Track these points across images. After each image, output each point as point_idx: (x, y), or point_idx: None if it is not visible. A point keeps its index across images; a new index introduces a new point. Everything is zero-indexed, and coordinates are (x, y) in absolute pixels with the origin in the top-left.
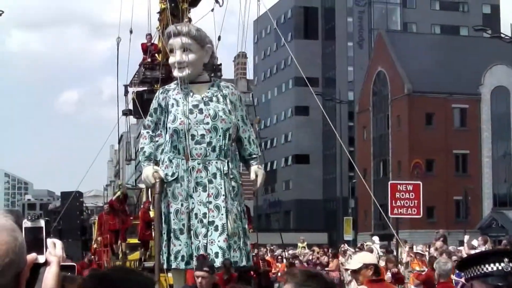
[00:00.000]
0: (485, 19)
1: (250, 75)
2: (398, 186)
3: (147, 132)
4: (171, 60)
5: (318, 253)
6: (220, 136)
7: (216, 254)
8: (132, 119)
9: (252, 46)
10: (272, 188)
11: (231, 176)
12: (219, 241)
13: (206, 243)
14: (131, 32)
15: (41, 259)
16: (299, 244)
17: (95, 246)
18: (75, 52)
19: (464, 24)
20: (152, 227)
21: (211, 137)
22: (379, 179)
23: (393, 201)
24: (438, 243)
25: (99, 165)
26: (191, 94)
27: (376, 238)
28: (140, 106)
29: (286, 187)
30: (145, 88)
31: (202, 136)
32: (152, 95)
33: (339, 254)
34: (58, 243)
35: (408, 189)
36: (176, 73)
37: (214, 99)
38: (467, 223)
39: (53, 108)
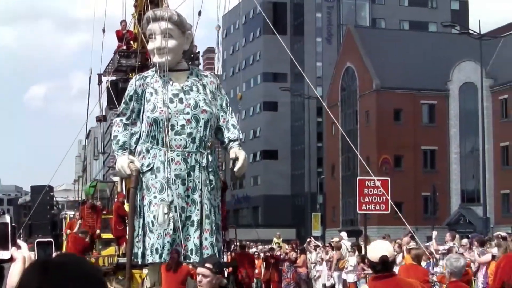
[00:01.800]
0: (453, 15)
1: (218, 70)
2: (366, 182)
3: (121, 120)
4: (150, 45)
5: (280, 248)
6: (201, 127)
7: (191, 250)
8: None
9: (220, 41)
10: (240, 184)
11: (210, 169)
12: (194, 238)
13: (184, 238)
14: (103, 31)
15: (5, 255)
16: (275, 240)
17: (65, 242)
18: (45, 47)
19: (433, 20)
20: (126, 222)
21: (191, 127)
22: (347, 175)
23: (361, 197)
24: (405, 239)
25: (66, 160)
26: (171, 82)
27: (344, 234)
28: (115, 95)
29: (254, 182)
30: (120, 77)
31: (182, 126)
32: (127, 84)
33: (307, 250)
34: (24, 245)
35: (376, 185)
36: (155, 59)
37: (194, 88)
38: (435, 219)
39: (20, 103)
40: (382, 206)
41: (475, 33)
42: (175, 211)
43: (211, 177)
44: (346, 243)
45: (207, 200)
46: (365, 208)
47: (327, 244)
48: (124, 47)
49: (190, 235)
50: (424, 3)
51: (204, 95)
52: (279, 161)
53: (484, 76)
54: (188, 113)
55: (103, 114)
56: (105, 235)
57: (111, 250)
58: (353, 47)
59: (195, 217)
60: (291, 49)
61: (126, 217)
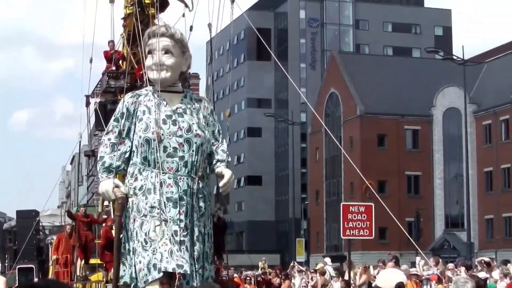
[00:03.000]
0: (437, 41)
1: (203, 95)
2: (350, 207)
3: (109, 140)
4: (148, 61)
5: (270, 274)
6: (193, 151)
7: (184, 275)
8: (84, 140)
9: (204, 67)
10: (225, 210)
11: (200, 196)
12: (187, 262)
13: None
14: (91, 61)
15: None
16: (260, 264)
17: (51, 267)
18: (29, 73)
19: (417, 46)
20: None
21: (183, 151)
22: (331, 200)
23: (345, 223)
24: (390, 264)
25: (51, 186)
26: (164, 103)
27: (327, 260)
28: (103, 117)
29: (238, 208)
30: (109, 99)
31: (175, 149)
32: (116, 105)
33: (291, 275)
34: (1, 279)
35: (360, 210)
36: (153, 75)
37: (188, 111)
38: (419, 245)
39: (4, 128)
40: (366, 232)
41: (458, 59)
42: (168, 233)
43: (201, 203)
44: (330, 268)
45: (196, 227)
46: (349, 233)
47: (312, 270)
48: (113, 68)
49: (186, 259)
50: (408, 29)
51: (197, 119)
52: (263, 187)
53: (468, 101)
54: (181, 136)
55: (93, 134)
56: (92, 261)
57: (98, 275)
58: (337, 73)
59: (188, 243)
60: (275, 75)
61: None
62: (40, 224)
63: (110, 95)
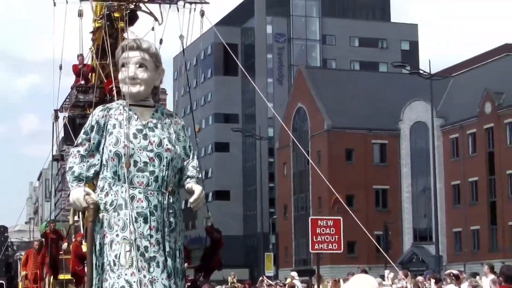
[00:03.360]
0: (404, 56)
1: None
2: (319, 221)
3: (78, 151)
4: (122, 75)
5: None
6: (163, 166)
7: None
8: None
9: (171, 82)
10: (193, 225)
11: (170, 211)
12: (162, 279)
13: (151, 279)
14: (60, 68)
15: None
16: (230, 279)
17: (20, 283)
18: None
19: (383, 61)
20: (85, 261)
21: (154, 165)
22: (299, 215)
23: (314, 237)
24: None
25: (18, 201)
26: (135, 117)
27: (294, 274)
28: (72, 131)
29: (206, 223)
30: (78, 113)
31: (145, 163)
32: (85, 120)
33: None
34: None
35: (329, 224)
36: (126, 88)
37: (159, 126)
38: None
39: None
40: (335, 246)
41: (425, 73)
42: (138, 250)
43: (171, 219)
44: (298, 283)
45: (167, 242)
46: (317, 247)
47: (281, 284)
48: (82, 82)
49: (157, 277)
50: (375, 44)
51: (168, 134)
52: (231, 202)
53: (435, 115)
54: (151, 151)
55: (60, 150)
56: (62, 276)
57: None
58: (304, 88)
59: (160, 258)
60: (243, 90)
61: (84, 257)
62: (9, 240)
63: (79, 109)
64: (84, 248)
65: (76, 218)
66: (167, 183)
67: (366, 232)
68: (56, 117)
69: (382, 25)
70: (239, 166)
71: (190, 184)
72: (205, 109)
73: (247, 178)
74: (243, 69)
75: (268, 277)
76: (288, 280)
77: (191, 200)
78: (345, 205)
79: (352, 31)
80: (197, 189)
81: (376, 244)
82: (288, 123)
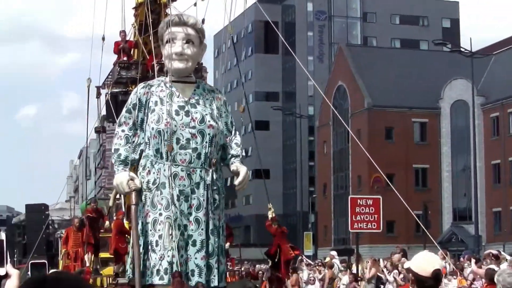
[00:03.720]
0: (445, 33)
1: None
2: (358, 200)
3: (123, 131)
4: (167, 50)
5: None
6: (206, 142)
7: (192, 272)
8: (92, 134)
9: (212, 60)
10: (233, 203)
11: (214, 188)
12: (196, 258)
13: (186, 258)
14: (103, 39)
15: (1, 271)
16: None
17: (61, 261)
18: (35, 67)
19: (424, 38)
20: (127, 239)
21: (196, 142)
22: (339, 193)
23: (353, 216)
24: (396, 256)
25: (59, 180)
26: (177, 94)
27: (334, 253)
28: (114, 109)
29: (246, 202)
30: (120, 90)
31: (188, 140)
32: (127, 97)
33: (298, 269)
34: (14, 272)
35: (368, 203)
36: (176, 64)
37: (201, 102)
38: (427, 238)
39: (11, 123)
40: (374, 225)
41: (466, 51)
42: (178, 229)
43: (215, 196)
44: (337, 262)
45: (211, 220)
46: (357, 226)
47: (319, 263)
48: (125, 58)
49: (191, 256)
50: (416, 21)
51: (210, 110)
52: (271, 180)
53: (476, 94)
54: (194, 127)
55: (102, 126)
56: (103, 254)
57: (110, 270)
58: (344, 66)
59: (198, 237)
60: (283, 68)
61: (126, 234)
62: (50, 218)
63: (121, 86)
64: (126, 225)
65: (117, 195)
66: (210, 160)
67: (409, 209)
68: (98, 94)
69: (423, 3)
70: (279, 145)
71: (235, 165)
72: (245, 87)
73: (287, 157)
74: (288, 46)
75: (307, 256)
76: (327, 259)
77: (236, 182)
78: (389, 182)
79: (393, 8)
80: (242, 170)
81: (419, 221)
82: (329, 101)
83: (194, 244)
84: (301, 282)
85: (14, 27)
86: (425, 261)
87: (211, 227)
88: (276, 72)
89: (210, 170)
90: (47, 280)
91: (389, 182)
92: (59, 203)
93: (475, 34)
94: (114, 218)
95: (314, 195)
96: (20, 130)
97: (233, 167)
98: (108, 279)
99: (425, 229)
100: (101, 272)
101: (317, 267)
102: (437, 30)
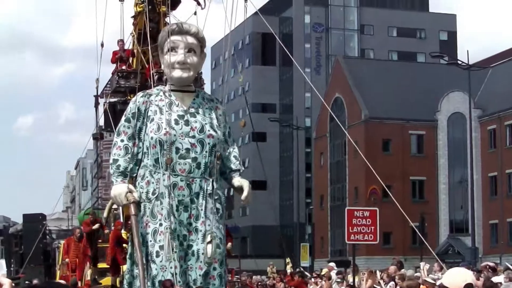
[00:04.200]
0: (442, 46)
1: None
2: (355, 212)
3: (122, 141)
4: (168, 59)
5: (274, 279)
6: (206, 152)
7: (195, 281)
8: (89, 145)
9: (209, 72)
10: (229, 214)
11: (216, 197)
12: (196, 268)
13: (187, 268)
14: (102, 45)
15: None
16: (269, 269)
17: (59, 272)
18: (31, 77)
19: (421, 51)
20: (125, 250)
21: (196, 152)
22: (335, 205)
23: (350, 227)
24: (392, 268)
25: (56, 190)
26: (176, 103)
27: (333, 264)
28: (113, 118)
29: (243, 213)
30: (118, 99)
31: (187, 150)
32: (125, 106)
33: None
34: (7, 282)
35: (365, 215)
36: (177, 73)
37: (200, 111)
38: (423, 249)
39: (7, 133)
40: (371, 236)
41: (463, 64)
42: (177, 239)
43: (217, 205)
44: (333, 273)
45: (217, 229)
46: (353, 238)
47: (315, 275)
48: (123, 67)
49: (192, 265)
50: (413, 34)
51: (210, 119)
52: (268, 192)
53: (473, 106)
54: (193, 137)
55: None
56: (101, 265)
57: (107, 280)
58: (342, 78)
59: (196, 247)
60: (280, 80)
61: (123, 244)
62: (47, 228)
63: (120, 95)
64: (123, 235)
65: (115, 206)
66: (210, 170)
67: (408, 218)
68: (97, 104)
69: (420, 15)
70: (276, 156)
71: (237, 179)
72: (243, 98)
73: (284, 168)
74: (291, 57)
75: (304, 268)
76: (325, 270)
77: (242, 197)
78: (389, 192)
79: (390, 21)
80: (245, 185)
81: (417, 231)
82: (326, 113)
83: (193, 254)
84: None
85: (10, 37)
86: (457, 276)
87: (219, 236)
88: (273, 84)
89: (210, 180)
90: None
91: (388, 192)
92: (57, 213)
93: (472, 46)
94: (112, 228)
95: (311, 207)
96: (16, 140)
97: (236, 183)
98: None
99: (424, 241)
100: (100, 282)
101: (313, 279)
102: (434, 43)
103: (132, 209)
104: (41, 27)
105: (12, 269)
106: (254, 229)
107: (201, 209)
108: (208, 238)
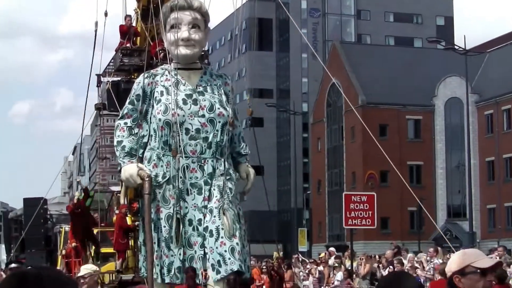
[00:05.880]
0: (439, 31)
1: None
2: (352, 197)
3: (125, 123)
4: (173, 36)
5: (273, 263)
6: (217, 131)
7: (219, 262)
8: (86, 130)
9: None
10: None
11: (228, 177)
12: (217, 247)
13: (204, 254)
14: (106, 14)
15: None
16: (275, 255)
17: (61, 256)
18: (27, 64)
19: (418, 36)
20: (130, 235)
21: (207, 131)
22: (333, 190)
23: (348, 212)
24: (388, 252)
25: (52, 177)
26: (183, 82)
27: (332, 249)
28: (116, 97)
29: (240, 198)
30: (122, 78)
31: (197, 130)
32: (130, 85)
33: (293, 265)
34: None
35: (362, 200)
36: (183, 50)
37: (209, 89)
38: (421, 234)
39: (3, 120)
40: (368, 221)
41: (460, 49)
42: (189, 224)
43: (230, 184)
44: (331, 258)
45: (232, 208)
46: (351, 223)
47: (311, 260)
48: (128, 45)
49: (212, 248)
50: (410, 19)
51: (219, 96)
52: (265, 177)
53: (470, 91)
54: (203, 116)
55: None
56: (104, 249)
57: (111, 265)
58: (338, 63)
59: (213, 226)
60: (277, 65)
61: (129, 230)
62: (48, 212)
63: (124, 73)
64: (129, 220)
65: (119, 188)
66: (222, 149)
67: (416, 198)
68: (99, 82)
69: (417, 0)
70: (273, 141)
71: (244, 168)
72: (239, 84)
73: (281, 153)
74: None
75: (301, 253)
76: (322, 254)
77: (246, 189)
78: (400, 176)
79: (387, 6)
80: (251, 175)
81: (424, 208)
82: (323, 98)
83: (211, 235)
84: (296, 279)
85: (5, 24)
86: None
87: (235, 212)
88: (270, 69)
89: (222, 159)
90: (28, 277)
91: (401, 177)
92: (57, 197)
93: (469, 31)
94: (116, 212)
95: (308, 192)
96: (13, 127)
97: (242, 174)
98: (111, 275)
99: (434, 222)
100: (101, 268)
101: (309, 264)
102: (431, 28)
103: (147, 187)
104: (36, 13)
105: (12, 254)
106: (252, 214)
107: (213, 189)
108: (221, 212)
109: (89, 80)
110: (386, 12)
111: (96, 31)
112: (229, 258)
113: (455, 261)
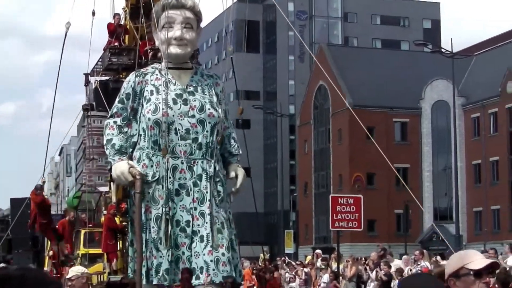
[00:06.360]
0: (426, 34)
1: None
2: (339, 199)
3: (115, 122)
4: (163, 35)
5: (259, 265)
6: (207, 131)
7: (201, 269)
8: (72, 131)
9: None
10: None
11: (217, 179)
12: (204, 254)
13: (191, 256)
14: (93, 14)
15: None
16: (261, 256)
17: (47, 257)
18: (13, 65)
19: (405, 39)
20: (118, 236)
21: (197, 132)
22: (320, 192)
23: (334, 215)
24: (373, 254)
25: (38, 178)
26: (173, 81)
27: (319, 251)
28: (105, 97)
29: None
30: (110, 77)
31: (187, 131)
32: (118, 84)
33: (280, 267)
34: None
35: (349, 202)
36: (174, 49)
37: (199, 89)
38: (408, 237)
39: None
40: (355, 224)
41: (447, 52)
42: (176, 225)
43: (219, 187)
44: (319, 261)
45: (217, 213)
46: (338, 225)
47: (298, 263)
48: (116, 44)
49: (199, 252)
50: (397, 22)
51: (209, 96)
52: (252, 179)
53: (456, 94)
54: (193, 116)
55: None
56: (92, 250)
57: (98, 266)
58: (325, 65)
59: (204, 231)
60: (264, 67)
61: (117, 231)
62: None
63: (112, 72)
64: (117, 221)
65: (106, 189)
66: (212, 150)
67: (414, 197)
68: (87, 82)
69: (404, 3)
70: (260, 143)
71: (233, 168)
72: (226, 86)
73: (268, 156)
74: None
75: (288, 255)
76: (309, 258)
77: (234, 189)
78: (398, 176)
79: (374, 9)
80: (240, 175)
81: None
82: (309, 100)
83: (201, 240)
84: (282, 281)
85: None
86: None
87: (220, 220)
88: (257, 71)
89: (212, 161)
90: (12, 279)
91: (400, 176)
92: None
93: (456, 35)
94: (105, 213)
95: (295, 194)
96: None
97: (232, 173)
98: (99, 277)
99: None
100: (88, 269)
101: (296, 266)
102: (418, 31)
103: (138, 186)
104: (23, 14)
105: None
106: (238, 216)
107: (206, 192)
108: (213, 221)
109: (57, 79)
110: (373, 15)
111: (66, 32)
112: (213, 269)
113: (450, 263)
